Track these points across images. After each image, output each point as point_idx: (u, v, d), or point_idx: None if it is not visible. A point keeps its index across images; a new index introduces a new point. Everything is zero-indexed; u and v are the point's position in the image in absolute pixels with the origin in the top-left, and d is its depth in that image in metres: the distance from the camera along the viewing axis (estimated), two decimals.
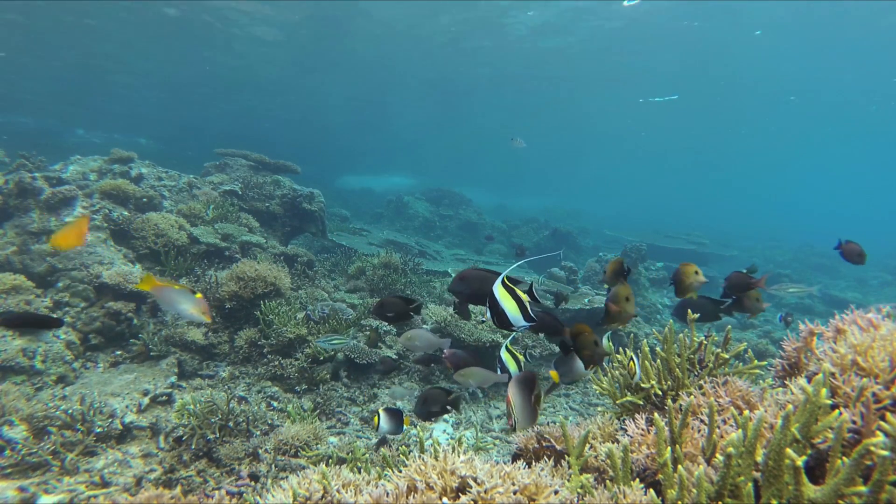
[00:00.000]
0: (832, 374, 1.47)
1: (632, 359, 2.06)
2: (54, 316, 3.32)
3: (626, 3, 12.81)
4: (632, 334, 4.37)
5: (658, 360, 2.14)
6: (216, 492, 2.79)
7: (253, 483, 2.94)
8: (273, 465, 3.04)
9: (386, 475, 1.70)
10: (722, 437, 1.55)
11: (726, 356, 2.09)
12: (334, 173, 43.31)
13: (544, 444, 2.04)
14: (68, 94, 20.81)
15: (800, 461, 1.13)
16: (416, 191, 20.09)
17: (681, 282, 2.41)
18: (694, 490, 1.27)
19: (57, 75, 18.54)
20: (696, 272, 2.40)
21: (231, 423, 3.31)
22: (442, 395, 2.56)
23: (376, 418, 2.60)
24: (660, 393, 2.08)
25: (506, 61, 17.40)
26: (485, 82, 19.68)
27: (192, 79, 19.64)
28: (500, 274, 1.89)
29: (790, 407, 1.22)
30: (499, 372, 2.41)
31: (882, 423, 1.15)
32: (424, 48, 16.12)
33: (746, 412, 1.30)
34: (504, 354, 2.35)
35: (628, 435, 1.83)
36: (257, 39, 15.37)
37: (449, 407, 2.56)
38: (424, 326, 5.50)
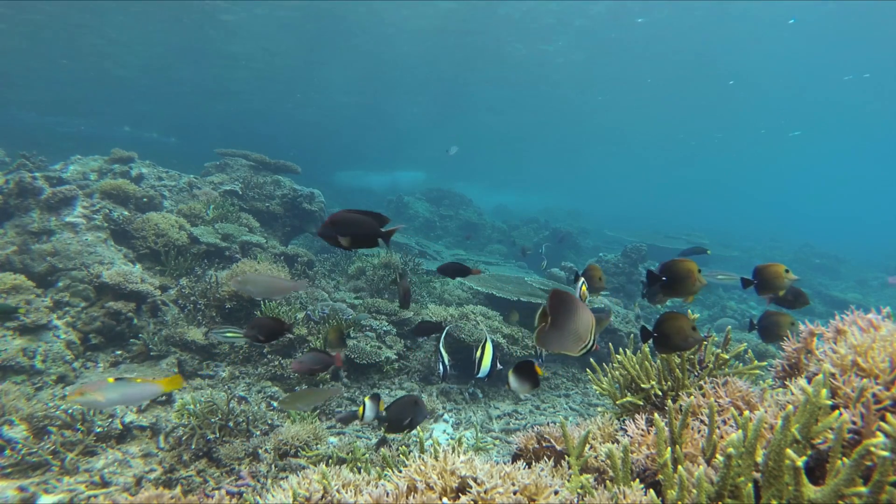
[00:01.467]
0: (832, 375, 1.47)
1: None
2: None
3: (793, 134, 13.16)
4: (632, 334, 4.38)
5: (658, 361, 2.14)
6: (216, 492, 2.79)
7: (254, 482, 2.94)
8: (273, 465, 3.04)
9: (386, 475, 1.70)
10: (722, 437, 1.55)
11: (726, 357, 2.09)
12: (338, 169, 43.82)
13: (544, 444, 2.04)
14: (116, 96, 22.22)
15: (800, 462, 1.13)
16: (417, 190, 20.13)
17: (769, 281, 2.32)
18: (694, 490, 1.27)
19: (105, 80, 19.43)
20: (787, 271, 2.31)
21: (231, 423, 3.31)
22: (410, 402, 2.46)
23: (361, 408, 2.54)
24: (660, 393, 2.08)
25: (507, 60, 17.44)
26: (486, 80, 19.74)
27: (200, 76, 19.97)
28: (378, 215, 1.93)
29: (790, 407, 1.22)
30: (440, 369, 2.68)
31: (882, 423, 1.15)
32: (428, 45, 16.17)
33: (746, 413, 1.30)
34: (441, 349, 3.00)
35: (628, 435, 1.83)
36: (261, 33, 15.45)
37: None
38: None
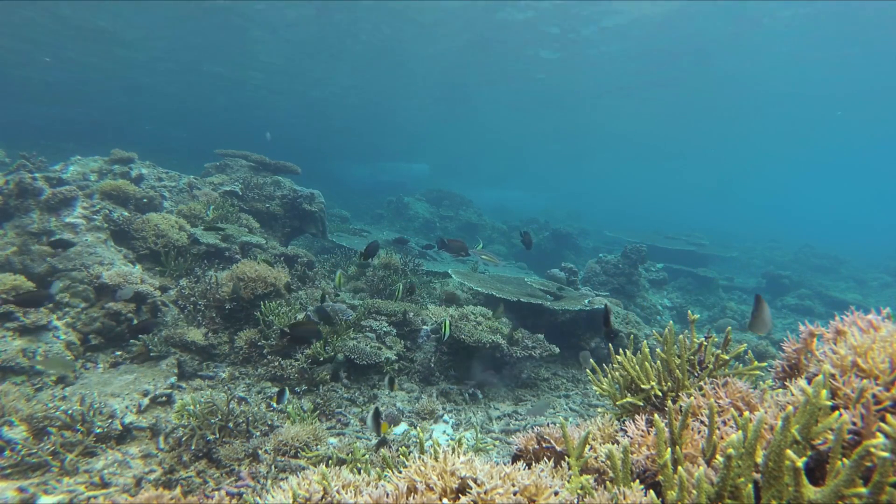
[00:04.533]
0: (832, 376, 1.47)
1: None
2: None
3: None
4: (632, 335, 4.37)
5: (658, 362, 2.14)
6: (216, 492, 2.79)
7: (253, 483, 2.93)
8: (273, 466, 3.04)
9: (386, 476, 1.70)
10: (722, 438, 1.55)
11: (726, 357, 2.09)
12: (345, 162, 45.10)
13: (544, 444, 2.04)
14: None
15: (800, 462, 1.13)
16: (417, 191, 20.16)
17: None
18: (694, 491, 1.26)
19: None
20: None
21: (231, 424, 3.31)
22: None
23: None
24: (660, 394, 2.08)
25: (508, 62, 17.46)
26: (490, 82, 19.81)
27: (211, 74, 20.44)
28: None
29: (790, 408, 1.22)
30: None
31: (882, 424, 1.15)
32: (433, 46, 16.25)
33: (746, 413, 1.30)
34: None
35: (628, 436, 1.82)
36: (268, 31, 15.59)
37: None
38: (425, 328, 5.51)
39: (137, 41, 16.70)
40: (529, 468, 1.40)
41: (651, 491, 1.40)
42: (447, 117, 27.60)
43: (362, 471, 2.02)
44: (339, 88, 22.57)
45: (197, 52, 17.79)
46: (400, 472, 1.40)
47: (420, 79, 19.96)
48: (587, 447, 1.80)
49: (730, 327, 2.28)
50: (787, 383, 1.79)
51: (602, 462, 1.80)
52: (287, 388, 3.39)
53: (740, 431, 1.28)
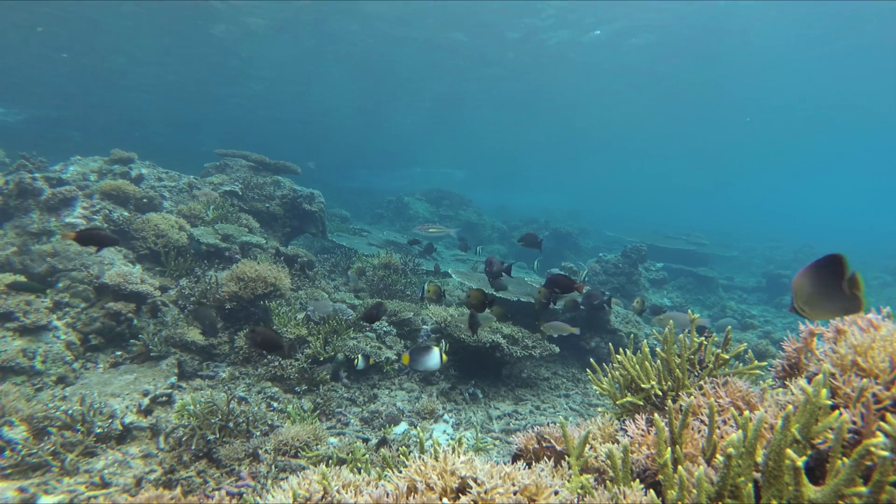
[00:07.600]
0: (832, 375, 1.47)
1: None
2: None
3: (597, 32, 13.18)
4: (632, 335, 4.37)
5: (658, 361, 2.14)
6: (216, 492, 2.79)
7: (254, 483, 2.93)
8: (273, 466, 3.04)
9: (386, 476, 1.70)
10: (722, 437, 1.55)
11: (726, 357, 2.09)
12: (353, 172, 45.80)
13: (544, 444, 2.04)
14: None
15: (800, 462, 1.13)
16: (417, 191, 20.15)
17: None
18: (694, 490, 1.26)
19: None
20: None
21: (231, 424, 3.31)
22: None
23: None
24: (660, 393, 2.08)
25: (507, 63, 17.46)
26: (488, 84, 19.82)
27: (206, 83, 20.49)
28: None
29: (790, 407, 1.22)
30: None
31: (882, 423, 1.15)
32: (430, 51, 16.26)
33: (746, 413, 1.30)
34: None
35: (628, 435, 1.82)
36: (262, 35, 15.56)
37: None
38: (425, 328, 5.50)
39: (136, 50, 16.72)
40: (529, 468, 1.40)
41: (651, 490, 1.40)
42: (445, 127, 27.73)
43: (362, 470, 2.02)
44: (349, 93, 22.62)
45: (195, 65, 17.83)
46: (400, 472, 1.40)
47: (421, 89, 20.09)
48: (587, 447, 1.80)
49: (730, 327, 2.28)
50: (787, 382, 1.79)
51: (602, 461, 1.80)
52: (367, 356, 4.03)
53: (740, 431, 1.28)
